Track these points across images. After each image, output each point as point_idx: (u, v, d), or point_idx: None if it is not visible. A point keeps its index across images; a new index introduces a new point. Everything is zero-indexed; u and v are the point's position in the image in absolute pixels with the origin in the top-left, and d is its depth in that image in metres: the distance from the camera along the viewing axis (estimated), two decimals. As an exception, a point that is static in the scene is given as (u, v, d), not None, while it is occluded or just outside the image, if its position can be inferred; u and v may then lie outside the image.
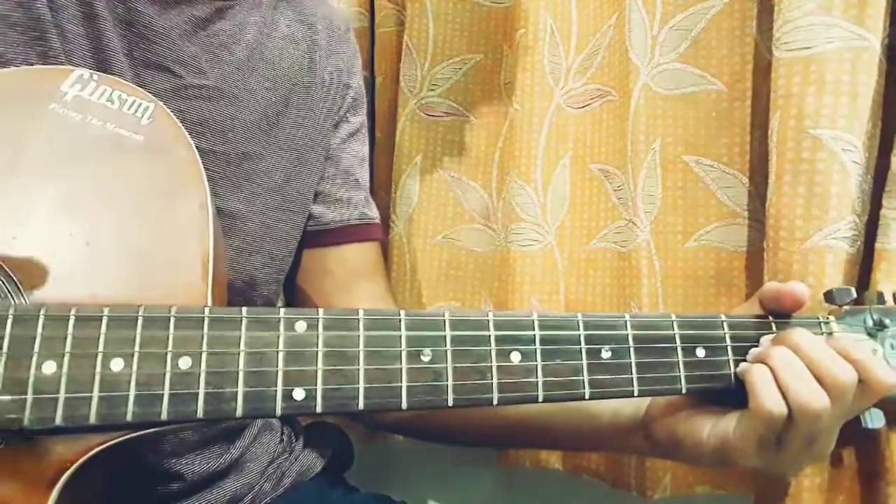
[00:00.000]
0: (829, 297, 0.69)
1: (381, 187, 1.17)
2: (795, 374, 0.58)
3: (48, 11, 0.63)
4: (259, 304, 0.80)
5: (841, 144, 0.73)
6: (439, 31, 1.09)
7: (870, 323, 0.67)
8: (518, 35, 1.01)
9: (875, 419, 0.65)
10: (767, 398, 0.58)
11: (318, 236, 0.86)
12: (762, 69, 0.87)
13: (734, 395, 0.62)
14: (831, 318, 0.66)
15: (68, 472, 0.47)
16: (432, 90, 1.10)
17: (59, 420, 0.46)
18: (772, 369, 0.59)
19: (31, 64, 0.62)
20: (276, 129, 0.78)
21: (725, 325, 0.62)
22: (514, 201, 1.00)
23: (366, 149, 0.93)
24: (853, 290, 0.68)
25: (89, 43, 0.66)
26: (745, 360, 0.61)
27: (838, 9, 0.73)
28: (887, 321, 0.67)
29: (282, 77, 0.79)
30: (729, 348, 0.62)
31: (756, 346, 0.62)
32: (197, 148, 0.70)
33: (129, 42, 0.68)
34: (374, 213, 0.92)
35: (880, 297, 0.69)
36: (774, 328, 0.63)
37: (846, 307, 0.68)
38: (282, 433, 0.86)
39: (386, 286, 0.94)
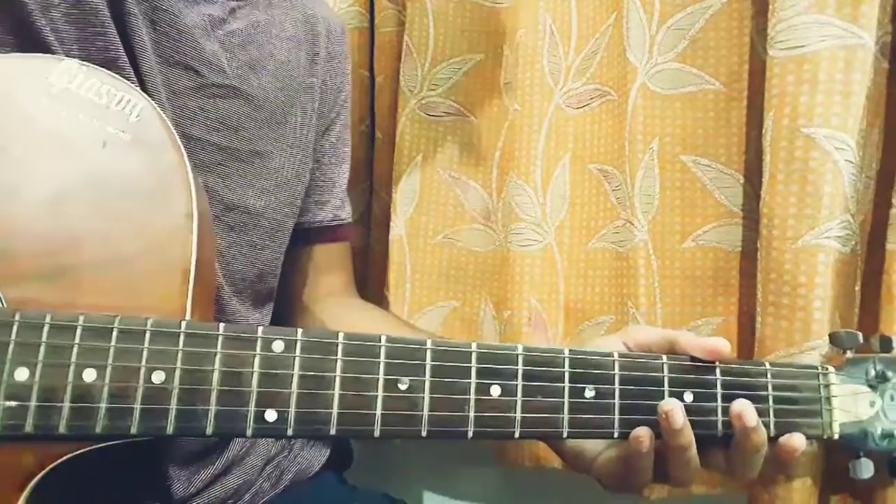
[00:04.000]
0: (835, 339, 0.68)
1: (382, 187, 1.17)
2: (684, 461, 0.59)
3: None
4: (263, 295, 0.82)
5: (834, 143, 0.72)
6: (439, 31, 1.09)
7: (871, 374, 0.65)
8: (518, 35, 1.01)
9: (864, 470, 0.65)
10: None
11: (292, 233, 0.87)
12: (760, 69, 0.86)
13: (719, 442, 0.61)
14: (830, 368, 0.65)
15: (36, 478, 0.47)
16: (432, 90, 1.10)
17: (28, 428, 0.46)
18: (668, 446, 0.59)
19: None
20: (284, 128, 0.80)
21: (718, 370, 0.61)
22: (513, 201, 1.00)
23: (347, 150, 0.95)
24: (860, 335, 0.67)
25: (122, 39, 0.66)
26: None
27: (832, 7, 0.73)
28: (890, 373, 0.65)
29: (288, 77, 0.81)
30: (719, 395, 0.60)
31: (751, 393, 0.61)
32: (215, 144, 0.71)
33: (154, 40, 0.68)
34: (346, 214, 0.94)
35: (885, 344, 0.67)
36: (770, 376, 0.62)
37: (850, 354, 0.67)
38: None
39: (348, 279, 0.96)
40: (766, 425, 0.61)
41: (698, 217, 0.91)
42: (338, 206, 0.92)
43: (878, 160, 0.79)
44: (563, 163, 1.02)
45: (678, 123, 0.92)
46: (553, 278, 1.01)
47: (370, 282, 1.18)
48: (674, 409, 0.57)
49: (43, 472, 0.47)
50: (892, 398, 0.65)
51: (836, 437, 0.64)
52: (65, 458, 0.48)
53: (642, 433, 0.58)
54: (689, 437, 0.58)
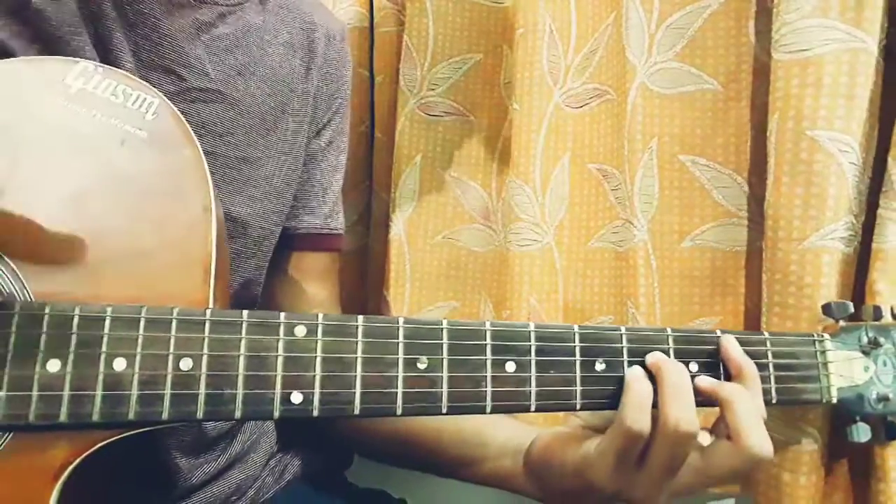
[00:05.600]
0: (826, 310, 0.71)
1: (381, 187, 1.17)
2: (678, 391, 0.59)
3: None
4: (246, 302, 0.81)
5: (838, 146, 0.73)
6: (439, 30, 1.09)
7: (864, 340, 0.69)
8: (517, 34, 1.01)
9: (861, 433, 0.68)
10: (631, 415, 0.58)
11: (280, 238, 0.86)
12: (757, 69, 0.87)
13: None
14: (826, 335, 0.68)
15: (72, 466, 0.48)
16: (432, 90, 1.10)
17: (63, 417, 0.48)
18: (660, 379, 0.59)
19: None
20: (274, 135, 0.79)
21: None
22: (512, 201, 1.00)
23: (342, 158, 0.93)
24: (850, 304, 0.70)
25: (98, 43, 0.66)
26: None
27: (835, 11, 0.74)
28: (882, 339, 0.68)
29: (280, 83, 0.80)
30: (721, 365, 0.63)
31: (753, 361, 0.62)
32: None
33: (135, 44, 0.68)
34: (337, 223, 0.92)
35: (877, 312, 0.70)
36: (769, 345, 0.65)
37: (843, 322, 0.70)
38: (279, 430, 0.88)
39: (333, 293, 0.95)
40: (768, 391, 0.64)
41: (696, 217, 0.92)
42: (328, 215, 0.90)
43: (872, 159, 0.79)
44: (563, 162, 1.02)
45: (677, 123, 0.92)
46: (552, 278, 1.01)
47: (369, 282, 1.18)
48: (654, 353, 0.60)
49: (78, 460, 0.48)
50: (884, 363, 0.68)
51: (835, 400, 0.67)
52: (98, 445, 0.49)
53: (636, 372, 0.60)
54: (684, 373, 0.60)
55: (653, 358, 0.60)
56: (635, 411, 0.58)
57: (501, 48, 1.08)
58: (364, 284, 1.19)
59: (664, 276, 0.92)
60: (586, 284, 1.00)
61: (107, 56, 0.66)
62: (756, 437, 0.58)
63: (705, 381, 0.61)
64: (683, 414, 0.58)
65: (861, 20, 0.73)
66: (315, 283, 0.91)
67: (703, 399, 0.60)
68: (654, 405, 0.59)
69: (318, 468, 0.90)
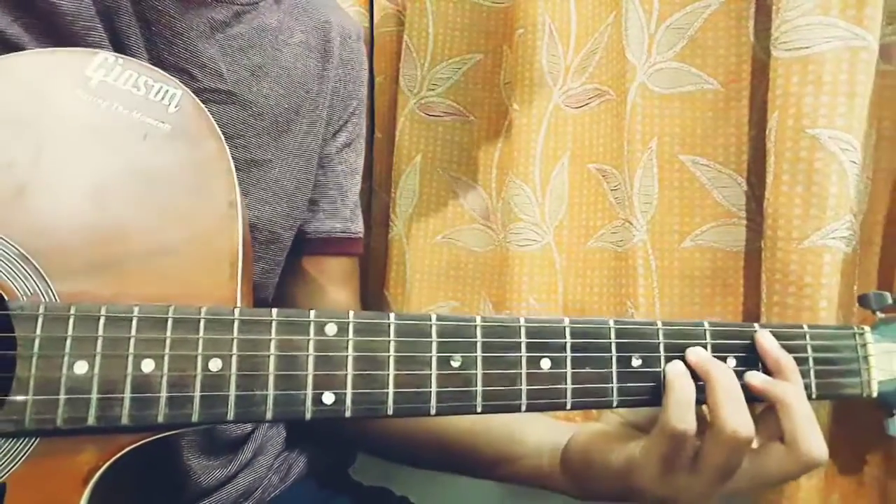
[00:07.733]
0: (863, 301, 0.69)
1: (381, 187, 1.17)
2: (731, 395, 0.57)
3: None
4: (256, 305, 0.80)
5: (839, 144, 0.73)
6: (439, 30, 1.09)
7: None
8: (517, 35, 1.01)
9: None
10: (676, 415, 0.56)
11: (299, 243, 0.85)
12: (758, 69, 0.88)
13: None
14: (866, 328, 0.66)
15: (101, 470, 0.47)
16: (432, 90, 1.10)
17: (91, 420, 0.47)
18: (710, 382, 0.57)
19: None
20: (286, 137, 0.78)
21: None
22: (512, 201, 1.00)
23: (360, 160, 0.93)
24: (888, 295, 0.68)
25: (113, 38, 0.65)
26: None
27: (836, 8, 0.74)
28: None
29: (295, 84, 0.79)
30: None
31: (792, 355, 0.61)
32: None
33: (148, 41, 0.67)
34: (357, 227, 0.91)
35: None
36: (809, 338, 0.63)
37: (880, 314, 0.68)
38: (288, 430, 0.88)
39: (353, 299, 0.94)
40: (808, 386, 0.61)
41: (697, 217, 0.92)
42: (348, 218, 0.89)
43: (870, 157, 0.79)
44: (562, 162, 1.02)
45: (677, 123, 0.92)
46: (552, 278, 1.01)
47: (370, 281, 1.18)
48: (695, 350, 0.58)
49: (106, 464, 0.48)
50: None
51: (875, 395, 0.65)
52: (127, 449, 0.48)
53: (678, 368, 0.58)
54: (732, 374, 0.58)
55: (695, 356, 0.58)
56: (680, 410, 0.56)
57: (501, 48, 1.08)
58: (365, 284, 1.19)
59: (664, 277, 0.92)
60: (586, 284, 1.00)
61: (121, 52, 0.64)
62: (815, 440, 0.57)
63: (757, 379, 0.59)
64: (740, 419, 0.56)
65: (862, 18, 0.73)
66: (336, 288, 0.90)
67: (751, 396, 0.58)
68: (698, 402, 0.57)
69: (322, 466, 0.89)
